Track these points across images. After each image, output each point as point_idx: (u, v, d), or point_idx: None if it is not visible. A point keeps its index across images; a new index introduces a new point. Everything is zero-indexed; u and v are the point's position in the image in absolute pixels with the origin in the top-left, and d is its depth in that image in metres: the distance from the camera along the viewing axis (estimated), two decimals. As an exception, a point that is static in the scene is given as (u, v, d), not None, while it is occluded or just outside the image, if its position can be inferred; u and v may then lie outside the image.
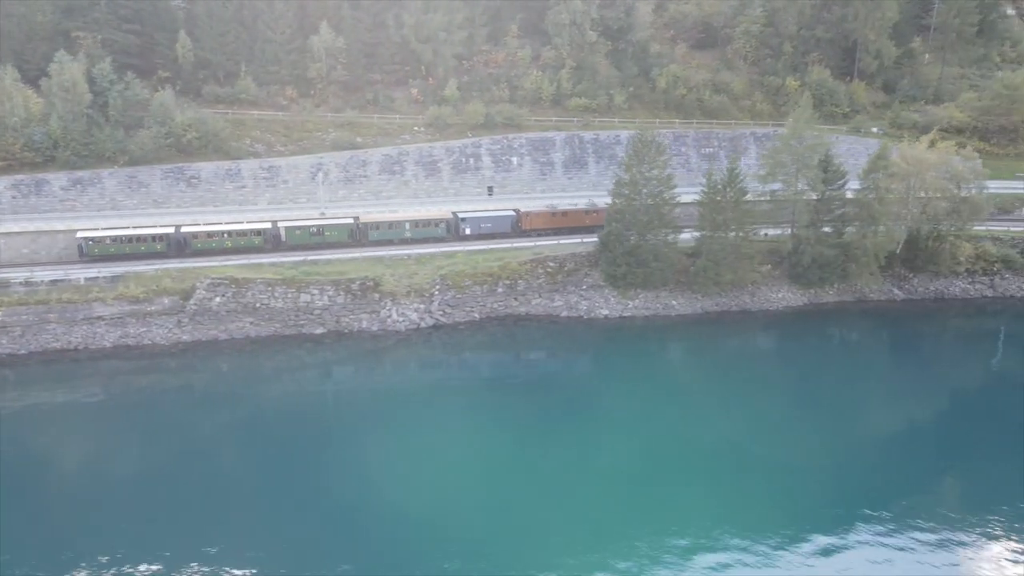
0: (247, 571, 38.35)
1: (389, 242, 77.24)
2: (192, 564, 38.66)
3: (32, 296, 63.25)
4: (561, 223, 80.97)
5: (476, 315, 71.60)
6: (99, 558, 38.89)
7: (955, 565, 40.43)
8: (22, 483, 45.48)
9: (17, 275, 64.80)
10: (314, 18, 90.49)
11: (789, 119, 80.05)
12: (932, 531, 42.93)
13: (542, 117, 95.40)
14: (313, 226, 75.35)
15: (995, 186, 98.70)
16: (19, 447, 49.91)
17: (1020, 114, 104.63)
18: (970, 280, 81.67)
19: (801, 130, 76.03)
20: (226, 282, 66.31)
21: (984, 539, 42.62)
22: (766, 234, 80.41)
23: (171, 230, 72.48)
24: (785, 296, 77.62)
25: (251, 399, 58.46)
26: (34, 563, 38.66)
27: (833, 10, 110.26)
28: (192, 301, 65.47)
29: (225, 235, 72.91)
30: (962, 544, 42.10)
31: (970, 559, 41.03)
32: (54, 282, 64.42)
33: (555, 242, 78.73)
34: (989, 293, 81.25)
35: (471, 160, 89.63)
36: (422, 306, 70.00)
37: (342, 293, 68.73)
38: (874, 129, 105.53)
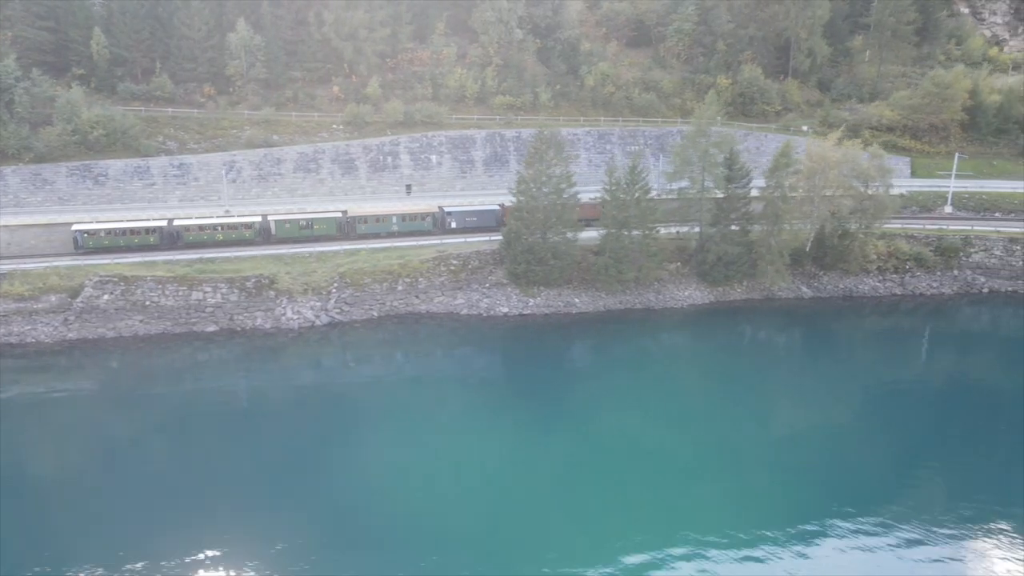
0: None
1: (376, 235, 79.14)
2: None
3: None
4: None
5: (375, 313, 71.38)
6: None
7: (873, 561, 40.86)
8: None
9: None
10: (232, 15, 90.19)
11: (693, 116, 80.00)
12: (845, 527, 43.24)
13: (465, 115, 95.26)
14: (302, 220, 77.53)
15: (922, 184, 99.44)
16: None
17: (950, 112, 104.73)
18: (881, 278, 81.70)
19: (705, 127, 75.96)
20: (115, 280, 66.02)
21: (884, 533, 42.96)
22: (678, 232, 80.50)
23: (164, 223, 74.31)
24: (692, 294, 77.55)
25: (140, 397, 57.80)
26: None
27: (765, 9, 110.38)
28: (80, 299, 65.16)
29: (217, 228, 75.01)
30: (873, 538, 42.43)
31: (877, 554, 41.43)
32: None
33: (462, 240, 78.74)
34: (899, 291, 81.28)
35: (389, 158, 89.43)
36: (318, 304, 69.80)
37: (236, 291, 68.48)
38: (804, 128, 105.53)
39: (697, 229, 78.96)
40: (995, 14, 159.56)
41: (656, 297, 76.37)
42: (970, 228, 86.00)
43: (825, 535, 42.63)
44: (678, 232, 79.70)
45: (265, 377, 62.14)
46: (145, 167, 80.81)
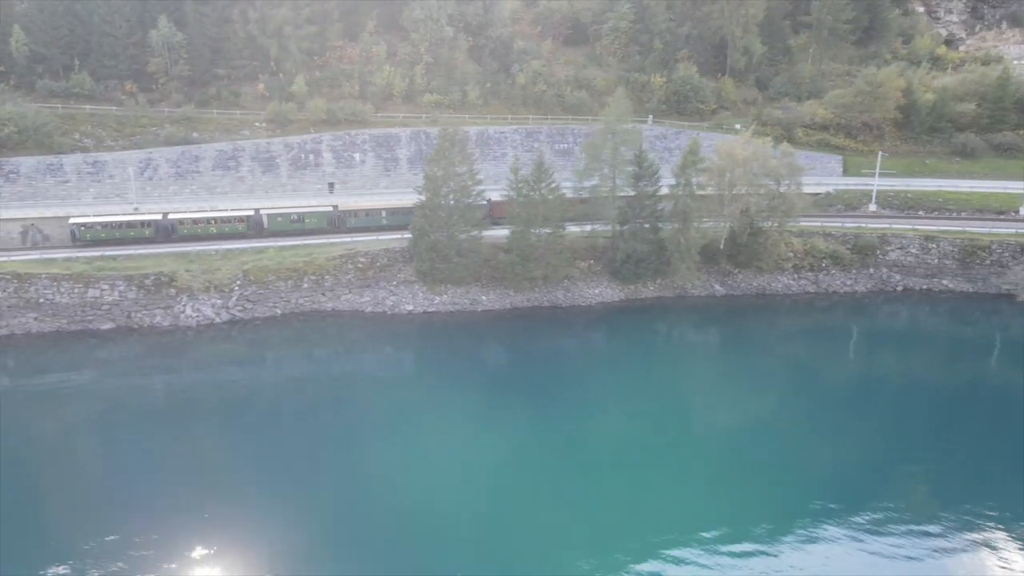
0: None
1: (366, 229, 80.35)
2: None
3: None
4: None
5: (278, 311, 71.23)
6: None
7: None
8: None
9: None
10: (155, 12, 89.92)
11: (601, 114, 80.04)
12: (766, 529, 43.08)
13: (391, 113, 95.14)
14: (294, 214, 79.18)
15: (853, 182, 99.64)
16: None
17: (882, 111, 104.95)
18: (796, 276, 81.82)
19: (614, 125, 75.97)
20: (8, 277, 65.75)
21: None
22: (593, 229, 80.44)
23: (159, 217, 76.40)
24: (603, 292, 77.56)
25: (40, 393, 57.49)
26: None
27: (701, 7, 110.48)
28: (-28, 297, 64.94)
29: (210, 222, 77.00)
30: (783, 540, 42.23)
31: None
32: None
33: (373, 238, 78.69)
34: (812, 289, 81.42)
35: (311, 156, 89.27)
36: (219, 301, 69.63)
37: (134, 288, 68.29)
38: (737, 126, 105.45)
39: (609, 227, 78.97)
40: (951, 12, 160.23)
41: (565, 295, 76.37)
42: (888, 226, 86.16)
43: (749, 535, 42.28)
44: (593, 230, 79.66)
45: (163, 375, 61.69)
46: (58, 164, 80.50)
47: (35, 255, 70.52)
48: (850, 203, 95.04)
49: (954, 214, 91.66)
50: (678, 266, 76.29)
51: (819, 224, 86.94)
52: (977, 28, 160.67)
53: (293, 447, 49.85)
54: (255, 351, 66.28)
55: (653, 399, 59.86)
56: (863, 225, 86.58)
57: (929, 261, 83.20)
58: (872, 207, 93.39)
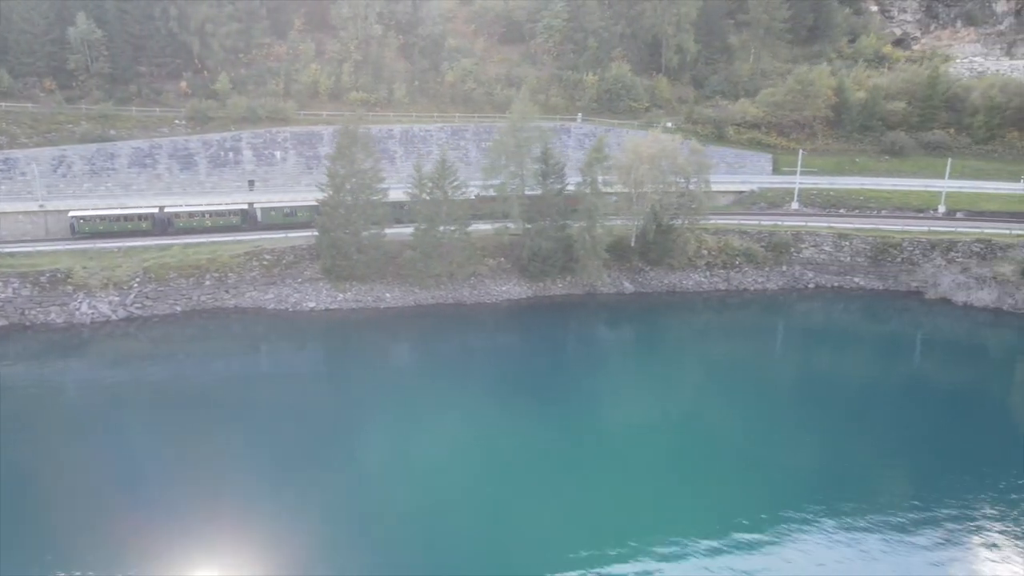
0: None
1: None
2: None
3: None
4: None
5: (179, 308, 71.13)
6: None
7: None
8: None
9: None
10: (74, 10, 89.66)
11: (509, 111, 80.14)
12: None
13: (316, 111, 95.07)
14: (287, 207, 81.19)
15: (780, 181, 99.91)
16: None
17: (812, 109, 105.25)
18: (708, 274, 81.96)
19: (519, 122, 76.08)
20: (-103, 274, 65.66)
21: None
22: (508, 227, 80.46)
23: (155, 210, 78.80)
24: (510, 289, 77.60)
25: None
26: None
27: (635, 6, 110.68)
28: None
29: (205, 215, 79.24)
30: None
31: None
32: None
33: (283, 235, 78.71)
34: (723, 287, 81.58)
35: (231, 154, 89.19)
36: (117, 298, 69.52)
37: (29, 285, 68.15)
38: (668, 124, 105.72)
39: (522, 224, 79.00)
40: (905, 12, 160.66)
41: (471, 292, 76.40)
42: (803, 224, 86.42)
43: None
44: (504, 227, 79.71)
45: (54, 373, 61.59)
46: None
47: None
48: (774, 201, 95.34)
49: (874, 212, 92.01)
50: (585, 264, 76.41)
51: (736, 222, 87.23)
52: (932, 27, 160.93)
53: (176, 444, 49.84)
54: (147, 348, 66.12)
55: (554, 396, 59.49)
56: (779, 223, 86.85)
57: (842, 259, 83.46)
58: (795, 205, 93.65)
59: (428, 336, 71.05)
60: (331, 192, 72.95)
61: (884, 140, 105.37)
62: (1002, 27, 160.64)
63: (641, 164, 75.07)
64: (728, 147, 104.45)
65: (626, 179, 76.53)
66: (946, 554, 40.89)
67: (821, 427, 55.10)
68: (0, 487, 43.66)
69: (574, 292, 79.04)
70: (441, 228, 73.89)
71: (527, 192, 77.92)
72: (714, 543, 41.23)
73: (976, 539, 42.06)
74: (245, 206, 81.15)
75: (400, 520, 42.85)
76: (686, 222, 79.56)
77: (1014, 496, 45.63)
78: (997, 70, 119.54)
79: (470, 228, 76.23)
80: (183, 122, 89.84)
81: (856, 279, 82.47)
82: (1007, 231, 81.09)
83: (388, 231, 76.19)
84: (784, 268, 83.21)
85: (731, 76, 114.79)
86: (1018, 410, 61.43)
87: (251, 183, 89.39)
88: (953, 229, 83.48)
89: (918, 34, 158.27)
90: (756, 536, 42.03)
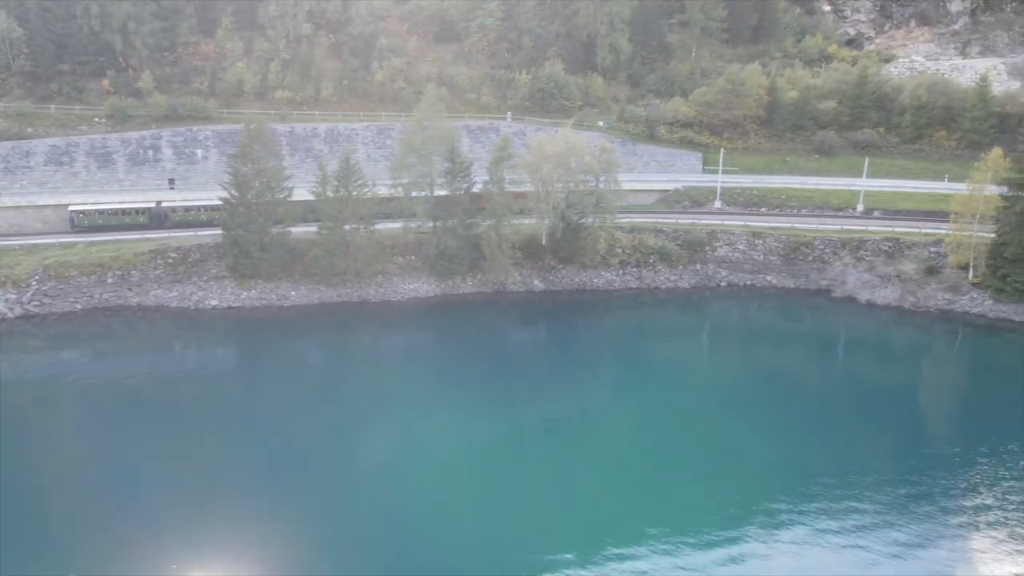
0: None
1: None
2: None
3: None
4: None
5: (79, 306, 71.08)
6: None
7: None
8: None
9: None
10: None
11: (415, 110, 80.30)
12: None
13: (242, 110, 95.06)
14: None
15: (705, 180, 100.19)
16: None
17: (743, 108, 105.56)
18: (621, 272, 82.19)
19: (424, 121, 76.23)
20: None
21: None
22: (419, 225, 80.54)
23: (153, 204, 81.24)
24: (417, 287, 77.73)
25: None
26: None
27: (569, 5, 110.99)
28: None
29: (200, 209, 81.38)
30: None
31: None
32: None
33: (193, 233, 78.77)
34: (635, 285, 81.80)
35: (150, 152, 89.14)
36: (13, 296, 69.50)
37: (-78, 283, 68.19)
38: (600, 123, 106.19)
39: (430, 223, 79.16)
40: (858, 12, 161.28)
41: (377, 290, 76.51)
42: (720, 223, 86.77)
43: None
44: (419, 225, 79.75)
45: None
46: None
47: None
48: (697, 200, 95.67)
49: (795, 211, 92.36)
50: (493, 262, 76.59)
51: (654, 221, 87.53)
52: (886, 27, 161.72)
53: (77, 442, 50.07)
54: (44, 345, 66.28)
55: (450, 394, 59.86)
56: (696, 222, 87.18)
57: (756, 257, 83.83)
58: (717, 204, 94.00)
59: (329, 334, 71.28)
60: (234, 191, 72.96)
61: (815, 139, 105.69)
62: (956, 27, 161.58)
63: (545, 163, 75.23)
64: (659, 146, 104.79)
65: (533, 177, 76.69)
66: (861, 542, 41.63)
67: (745, 422, 55.72)
68: None
69: (483, 290, 79.19)
70: (347, 227, 74.11)
71: (437, 191, 78.02)
72: (654, 542, 41.26)
73: (901, 520, 43.17)
74: (152, 204, 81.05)
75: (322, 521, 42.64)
76: (596, 221, 79.72)
77: (932, 476, 47.70)
78: (937, 70, 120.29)
79: (380, 227, 76.68)
80: (103, 120, 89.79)
81: (768, 277, 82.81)
82: (917, 230, 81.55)
83: (298, 229, 76.59)
84: (698, 266, 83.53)
85: (668, 75, 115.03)
86: (924, 404, 63.50)
87: (171, 181, 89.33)
88: (865, 228, 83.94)
89: (872, 34, 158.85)
90: (692, 535, 42.21)
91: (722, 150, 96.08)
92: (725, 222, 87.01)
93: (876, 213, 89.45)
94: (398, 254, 78.96)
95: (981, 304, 73.64)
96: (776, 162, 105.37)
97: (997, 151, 72.69)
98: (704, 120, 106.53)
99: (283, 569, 38.97)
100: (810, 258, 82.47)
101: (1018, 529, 42.28)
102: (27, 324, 68.79)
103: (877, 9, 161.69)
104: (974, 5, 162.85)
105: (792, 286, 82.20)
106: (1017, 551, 40.54)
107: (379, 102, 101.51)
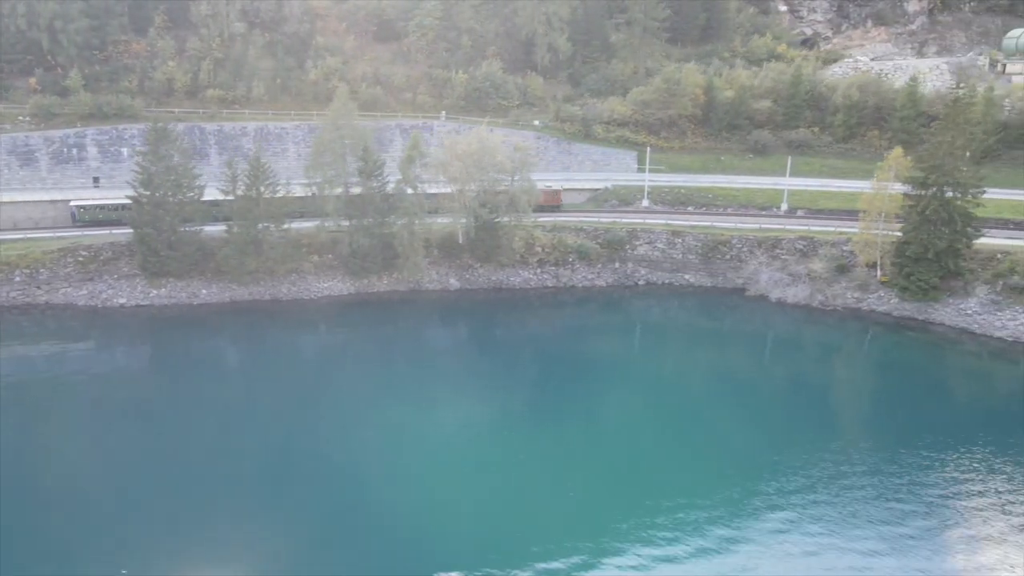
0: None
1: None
2: None
3: None
4: None
5: (-16, 304, 71.21)
6: None
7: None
8: None
9: None
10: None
11: (328, 109, 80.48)
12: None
13: (171, 108, 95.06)
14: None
15: (636, 179, 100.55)
16: None
17: (679, 108, 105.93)
18: (537, 270, 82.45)
19: (338, 120, 76.41)
20: None
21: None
22: (339, 224, 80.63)
23: None
24: (332, 286, 77.89)
25: None
26: None
27: (508, 5, 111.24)
28: None
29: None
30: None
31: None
32: None
33: (107, 231, 78.80)
34: (551, 283, 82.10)
35: (75, 151, 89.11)
36: (-84, 295, 69.56)
37: None
38: (536, 122, 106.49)
39: (344, 222, 79.33)
40: (815, 12, 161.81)
41: (289, 289, 76.64)
42: (641, 222, 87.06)
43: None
44: (324, 225, 79.71)
45: None
46: None
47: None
48: (626, 199, 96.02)
49: (720, 210, 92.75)
50: (407, 260, 76.79)
51: (577, 219, 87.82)
52: (843, 27, 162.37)
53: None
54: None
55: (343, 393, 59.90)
56: (618, 220, 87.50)
57: (674, 256, 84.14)
58: (645, 203, 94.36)
59: (240, 332, 71.44)
60: (141, 189, 73.03)
61: (750, 139, 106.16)
62: (914, 27, 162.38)
63: (456, 161, 75.46)
64: (595, 145, 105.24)
65: (445, 176, 76.93)
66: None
67: (665, 420, 55.89)
68: None
69: (399, 289, 79.36)
70: (259, 225, 74.25)
71: (352, 190, 78.17)
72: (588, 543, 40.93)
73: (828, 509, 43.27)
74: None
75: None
76: (512, 220, 79.95)
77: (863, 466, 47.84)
78: (881, 70, 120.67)
79: (295, 226, 76.88)
80: (27, 118, 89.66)
81: (687, 276, 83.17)
82: (833, 228, 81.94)
83: (212, 228, 76.68)
84: (617, 265, 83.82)
85: (610, 75, 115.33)
86: (839, 398, 64.24)
87: (96, 180, 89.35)
88: (782, 227, 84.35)
89: (829, 34, 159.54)
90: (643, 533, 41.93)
91: (648, 149, 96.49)
92: (647, 221, 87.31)
93: (799, 212, 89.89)
94: (313, 253, 79.09)
95: (887, 302, 74.07)
96: (711, 161, 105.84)
97: (898, 150, 73.16)
98: (641, 119, 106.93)
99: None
100: (727, 257, 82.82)
101: (922, 521, 42.35)
102: (-75, 322, 68.79)
103: (834, 9, 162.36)
104: (931, 5, 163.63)
105: (709, 284, 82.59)
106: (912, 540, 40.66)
107: (313, 101, 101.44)
